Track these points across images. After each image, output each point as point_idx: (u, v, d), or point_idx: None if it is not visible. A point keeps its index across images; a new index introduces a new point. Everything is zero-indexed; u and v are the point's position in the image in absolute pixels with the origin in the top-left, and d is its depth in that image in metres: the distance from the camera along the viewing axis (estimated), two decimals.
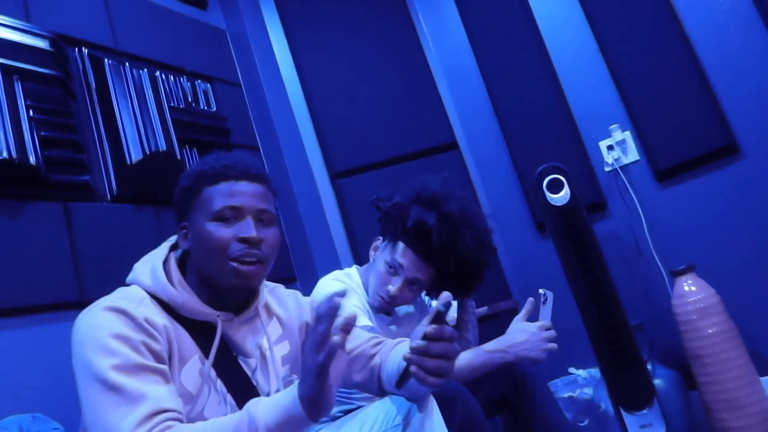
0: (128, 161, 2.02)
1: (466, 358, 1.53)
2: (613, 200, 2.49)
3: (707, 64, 2.25)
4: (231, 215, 1.05)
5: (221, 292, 1.08)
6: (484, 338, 1.68)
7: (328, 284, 1.64)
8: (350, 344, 1.21)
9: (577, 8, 2.56)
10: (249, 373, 1.10)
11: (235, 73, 2.81)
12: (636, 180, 2.43)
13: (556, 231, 2.15)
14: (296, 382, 0.90)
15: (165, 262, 1.10)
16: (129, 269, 1.96)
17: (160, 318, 1.00)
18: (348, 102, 2.79)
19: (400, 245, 1.58)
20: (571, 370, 2.41)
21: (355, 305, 1.56)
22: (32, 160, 1.71)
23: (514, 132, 2.72)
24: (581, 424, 2.21)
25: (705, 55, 2.26)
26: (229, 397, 1.05)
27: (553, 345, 1.55)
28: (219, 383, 1.05)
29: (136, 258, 1.98)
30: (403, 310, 1.79)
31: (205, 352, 1.04)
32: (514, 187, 2.74)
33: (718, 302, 2.00)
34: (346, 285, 1.64)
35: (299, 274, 2.62)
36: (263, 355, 1.14)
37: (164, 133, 2.14)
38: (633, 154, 2.43)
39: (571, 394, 2.30)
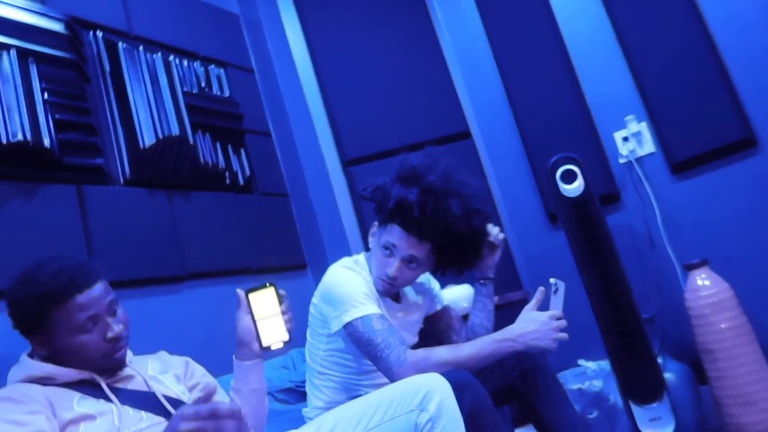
0: (141, 145, 2.02)
1: (475, 347, 1.51)
2: (627, 192, 2.47)
3: (726, 56, 2.22)
4: (92, 324, 1.16)
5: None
6: (494, 328, 1.67)
7: (337, 271, 1.64)
8: None
9: None
10: (148, 390, 1.23)
11: (248, 58, 2.81)
12: (651, 172, 2.40)
13: (569, 222, 2.13)
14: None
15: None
16: (141, 252, 1.99)
17: (38, 390, 1.11)
18: (361, 89, 2.78)
19: (390, 226, 1.59)
20: (581, 362, 2.40)
21: (364, 292, 1.56)
22: (46, 142, 1.72)
23: (527, 121, 2.70)
24: (590, 416, 2.21)
25: (724, 47, 2.22)
26: (143, 413, 1.17)
27: (564, 335, 1.51)
28: (125, 407, 1.16)
29: (149, 241, 2.00)
30: (411, 298, 1.79)
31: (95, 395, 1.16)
32: (526, 177, 2.72)
33: (732, 297, 1.98)
34: (355, 272, 1.64)
35: (310, 261, 2.63)
36: (154, 379, 1.28)
37: (177, 117, 2.15)
38: (648, 146, 2.40)
39: (580, 386, 2.29)
